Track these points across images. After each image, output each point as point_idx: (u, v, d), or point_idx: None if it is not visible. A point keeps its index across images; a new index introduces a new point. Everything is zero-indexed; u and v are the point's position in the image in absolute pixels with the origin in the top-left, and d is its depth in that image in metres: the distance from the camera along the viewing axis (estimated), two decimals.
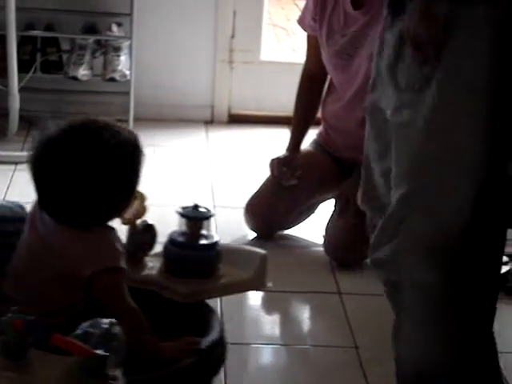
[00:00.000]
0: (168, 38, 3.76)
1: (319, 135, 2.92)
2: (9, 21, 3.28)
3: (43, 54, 3.63)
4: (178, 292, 1.61)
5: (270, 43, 3.95)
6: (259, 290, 1.71)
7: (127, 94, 3.59)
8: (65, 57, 3.65)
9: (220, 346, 1.54)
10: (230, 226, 2.87)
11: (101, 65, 3.65)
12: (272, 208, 2.77)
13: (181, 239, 1.67)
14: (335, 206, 2.75)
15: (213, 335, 1.53)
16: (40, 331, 1.29)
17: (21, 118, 3.48)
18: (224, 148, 3.66)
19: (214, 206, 3.03)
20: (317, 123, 2.94)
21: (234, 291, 1.70)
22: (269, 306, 2.51)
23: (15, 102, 3.41)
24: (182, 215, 1.67)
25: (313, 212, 2.88)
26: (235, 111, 3.88)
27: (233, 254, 1.71)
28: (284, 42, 4.31)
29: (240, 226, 2.86)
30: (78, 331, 1.34)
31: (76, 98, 3.71)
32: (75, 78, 3.58)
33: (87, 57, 3.63)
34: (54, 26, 3.64)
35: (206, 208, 1.69)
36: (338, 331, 2.35)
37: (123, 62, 3.64)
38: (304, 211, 2.85)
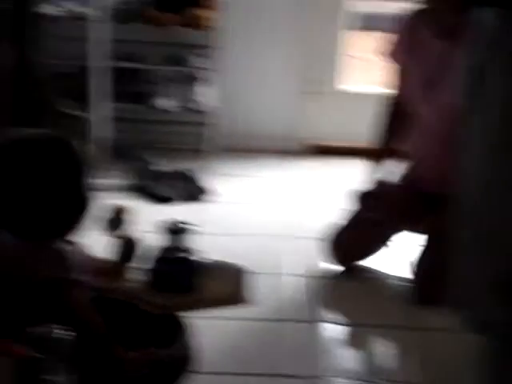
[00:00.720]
0: (252, 70, 3.81)
1: (404, 169, 2.87)
2: (93, 52, 3.42)
3: (130, 84, 3.75)
4: (153, 303, 1.62)
5: (347, 74, 3.92)
6: (237, 305, 1.67)
7: (209, 124, 3.65)
8: (151, 88, 3.76)
9: (179, 362, 1.51)
10: (310, 257, 2.88)
11: (186, 96, 3.73)
12: (356, 241, 2.78)
13: (161, 253, 1.67)
14: (427, 240, 2.70)
15: (174, 348, 1.52)
16: None
17: (109, 146, 3.62)
18: (302, 178, 3.65)
19: (295, 237, 3.04)
20: (402, 157, 2.89)
21: (212, 306, 1.69)
22: (347, 339, 2.48)
23: (101, 132, 3.54)
24: (164, 230, 1.68)
25: (386, 245, 2.84)
26: (313, 142, 3.88)
27: (214, 268, 1.70)
28: (361, 73, 4.29)
29: (320, 258, 2.85)
30: (27, 335, 1.36)
31: (162, 129, 3.81)
32: (161, 109, 3.69)
33: (172, 88, 3.73)
34: (141, 58, 3.76)
35: (187, 224, 1.70)
36: (417, 367, 2.30)
37: (207, 93, 3.71)
38: (379, 244, 2.83)
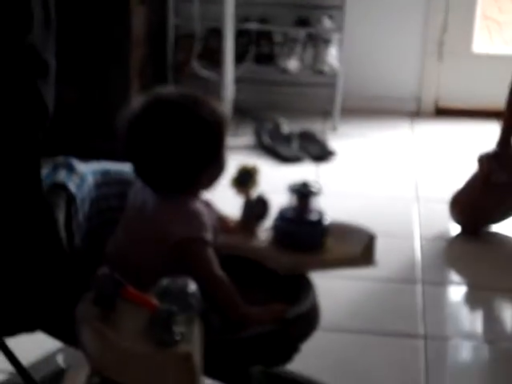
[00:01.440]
0: (377, 31, 3.78)
1: None
2: (226, 14, 3.47)
3: (257, 45, 3.79)
4: (280, 263, 1.65)
5: (482, 35, 3.83)
6: (364, 267, 1.69)
7: (334, 85, 3.65)
8: (277, 49, 3.78)
9: (305, 320, 1.54)
10: (433, 219, 2.89)
11: (311, 57, 3.74)
12: (479, 204, 2.75)
13: (289, 214, 1.70)
14: None
15: (300, 308, 1.55)
16: (112, 285, 1.40)
17: (233, 107, 3.68)
18: (430, 140, 3.61)
19: (418, 198, 3.03)
20: None
21: (339, 267, 1.70)
22: (471, 302, 2.50)
23: (229, 92, 3.60)
24: (292, 190, 1.71)
25: None
26: (442, 104, 3.82)
27: (342, 230, 1.71)
28: (496, 35, 4.15)
29: (443, 220, 2.86)
30: (156, 288, 1.43)
31: (285, 90, 3.84)
32: (286, 70, 3.71)
33: (298, 49, 3.75)
34: (268, 19, 3.79)
35: (316, 184, 1.72)
36: None
37: (333, 54, 3.70)
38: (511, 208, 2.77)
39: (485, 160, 2.72)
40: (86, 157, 1.73)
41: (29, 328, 1.48)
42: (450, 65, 3.78)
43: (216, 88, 3.53)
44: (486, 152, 2.74)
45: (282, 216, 1.71)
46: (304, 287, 1.63)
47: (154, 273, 1.46)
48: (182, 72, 3.73)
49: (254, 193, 1.74)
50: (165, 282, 1.44)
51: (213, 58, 3.69)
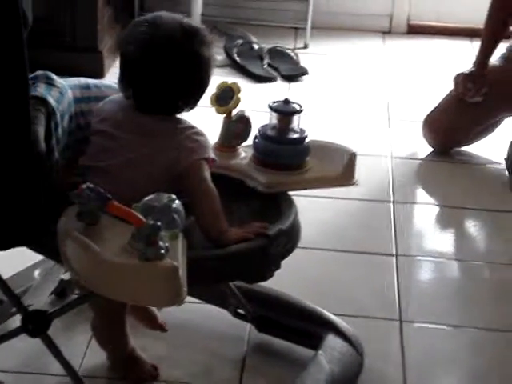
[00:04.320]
0: None
1: (509, 50, 2.80)
2: None
3: None
4: (259, 181, 1.65)
5: None
6: (345, 186, 1.70)
7: (305, 1, 3.61)
8: None
9: (286, 236, 1.56)
10: (405, 140, 2.91)
11: None
12: (452, 124, 2.76)
13: (270, 132, 1.70)
14: None
15: (281, 224, 1.56)
16: (98, 199, 1.39)
17: (202, 22, 3.62)
18: (402, 59, 3.60)
19: (389, 119, 3.05)
20: (506, 38, 2.82)
21: (319, 186, 1.72)
22: (442, 221, 2.53)
23: (197, 7, 3.54)
24: (273, 109, 1.70)
25: (493, 131, 2.81)
26: (414, 21, 3.79)
27: (322, 149, 1.72)
28: None
29: (416, 140, 2.87)
30: (140, 204, 1.43)
31: (256, 4, 3.78)
32: None
33: None
34: None
35: (297, 103, 1.71)
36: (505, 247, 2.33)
37: None
38: (485, 129, 2.79)
39: (460, 80, 2.72)
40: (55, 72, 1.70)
41: (10, 243, 1.48)
42: None
43: (184, 2, 3.47)
44: (461, 72, 2.74)
45: (263, 134, 1.71)
46: (285, 205, 1.64)
47: (147, 190, 1.46)
48: None
49: (235, 110, 1.74)
50: (149, 198, 1.45)
51: None
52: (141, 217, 1.39)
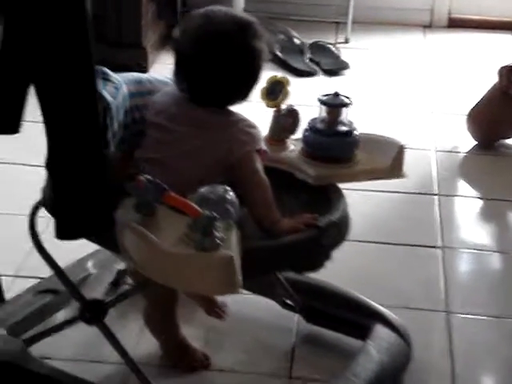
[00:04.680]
0: None
1: None
2: None
3: None
4: (309, 173, 1.68)
5: None
6: (394, 178, 1.72)
7: None
8: None
9: (337, 227, 1.59)
10: (449, 133, 2.92)
11: None
12: (496, 117, 2.77)
13: (319, 125, 1.73)
14: None
15: (332, 216, 1.59)
16: (155, 190, 1.43)
17: None
18: (443, 53, 3.61)
19: (432, 112, 3.06)
20: None
21: (368, 178, 1.74)
22: (485, 214, 2.55)
23: (239, 2, 3.57)
24: (322, 102, 1.73)
25: None
26: (456, 15, 3.79)
27: (370, 142, 1.74)
28: None
29: (458, 133, 2.88)
30: (195, 195, 1.47)
31: (295, 0, 3.80)
32: None
33: None
34: None
35: (346, 96, 1.74)
36: None
37: None
38: None
39: (504, 72, 2.72)
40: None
41: (79, 232, 1.52)
42: None
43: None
44: (505, 65, 2.74)
45: (312, 127, 1.74)
46: (335, 197, 1.67)
47: (204, 183, 1.50)
48: None
49: (284, 104, 1.77)
50: (204, 189, 1.48)
51: None
52: (197, 207, 1.42)
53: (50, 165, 1.48)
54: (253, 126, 1.63)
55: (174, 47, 1.66)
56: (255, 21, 1.64)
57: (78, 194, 1.50)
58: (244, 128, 1.61)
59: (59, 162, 1.48)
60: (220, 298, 1.92)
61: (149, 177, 1.45)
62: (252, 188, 1.58)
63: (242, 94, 1.64)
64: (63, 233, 1.51)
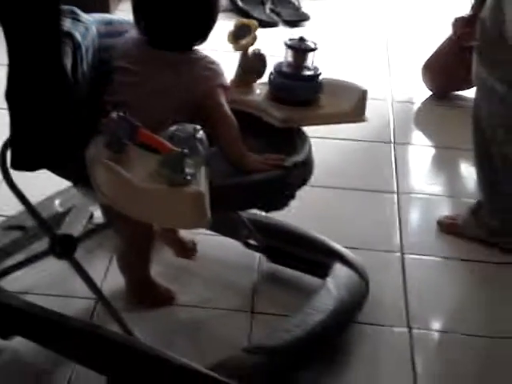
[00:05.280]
0: None
1: None
2: None
3: None
4: (275, 116, 1.73)
5: None
6: (356, 122, 1.78)
7: None
8: None
9: (302, 167, 1.65)
10: (404, 83, 3.00)
11: None
12: (450, 68, 2.82)
13: (285, 69, 1.77)
14: None
15: (298, 157, 1.65)
16: (128, 127, 1.47)
17: None
18: (399, 3, 3.67)
19: (389, 65, 3.12)
20: None
21: (332, 121, 1.79)
22: (437, 161, 2.64)
23: None
24: (288, 46, 1.77)
25: None
26: None
27: (334, 86, 1.79)
28: None
29: (414, 84, 2.96)
30: (166, 133, 1.51)
31: None
32: None
33: None
34: None
35: (312, 41, 1.78)
36: None
37: None
38: None
39: (459, 24, 2.77)
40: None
41: (39, 164, 1.56)
42: None
43: None
44: (460, 16, 2.79)
45: (279, 71, 1.78)
46: (299, 139, 1.72)
47: (168, 121, 1.54)
48: None
49: (251, 48, 1.80)
50: (174, 127, 1.53)
51: None
52: (169, 144, 1.47)
53: (10, 94, 1.52)
54: (214, 63, 1.67)
55: None
56: None
57: (35, 126, 1.54)
58: (206, 64, 1.65)
59: (18, 91, 1.51)
60: (189, 236, 1.97)
61: (121, 114, 1.49)
62: (217, 122, 1.62)
63: (200, 37, 1.66)
64: (19, 163, 1.55)
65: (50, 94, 1.53)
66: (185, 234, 2.01)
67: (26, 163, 1.57)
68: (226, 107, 1.64)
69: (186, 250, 1.98)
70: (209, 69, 1.65)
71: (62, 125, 1.55)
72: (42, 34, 1.47)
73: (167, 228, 1.91)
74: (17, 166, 1.56)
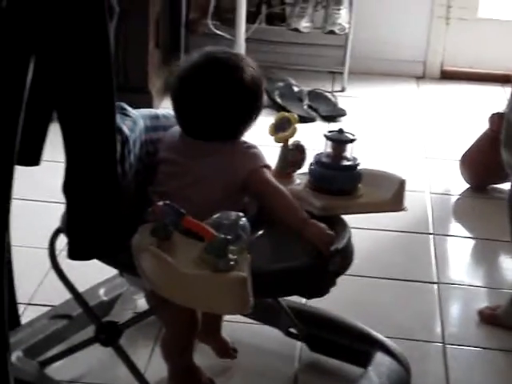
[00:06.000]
0: None
1: None
2: None
3: (268, 6, 3.90)
4: (314, 204, 1.77)
5: (489, 0, 3.95)
6: (395, 211, 1.82)
7: (344, 47, 3.77)
8: (288, 9, 3.88)
9: (342, 255, 1.68)
10: (441, 177, 3.05)
11: (321, 18, 3.84)
12: (487, 162, 2.86)
13: (325, 160, 1.83)
14: None
15: (338, 244, 1.68)
16: (174, 214, 1.53)
17: None
18: (435, 103, 3.74)
19: (426, 158, 3.18)
20: None
21: (371, 210, 1.83)
22: (477, 252, 2.67)
23: (241, 52, 3.70)
24: (328, 138, 1.83)
25: None
26: (448, 67, 3.94)
27: (373, 177, 1.84)
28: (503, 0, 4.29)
29: (452, 177, 3.02)
30: (210, 220, 1.56)
31: (296, 50, 3.95)
32: (297, 30, 3.81)
33: (309, 10, 3.84)
34: None
35: (350, 133, 1.84)
36: None
37: (343, 15, 3.81)
38: None
39: (496, 118, 2.84)
40: None
41: (91, 254, 1.62)
42: (456, 29, 3.91)
43: (228, 47, 3.60)
44: (496, 112, 2.87)
45: (318, 161, 1.84)
46: (339, 227, 1.76)
47: (215, 209, 1.59)
48: (195, 31, 3.83)
49: (291, 140, 1.87)
50: (218, 215, 1.58)
51: (225, 17, 3.79)
52: (213, 230, 1.52)
53: (67, 187, 1.59)
54: (253, 146, 1.74)
55: (169, 86, 1.77)
56: (242, 54, 1.74)
57: (90, 217, 1.61)
58: (245, 149, 1.72)
59: (75, 185, 1.59)
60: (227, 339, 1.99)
61: (167, 202, 1.54)
62: (270, 196, 1.68)
63: (233, 130, 1.74)
64: (75, 253, 1.61)
65: (104, 187, 1.60)
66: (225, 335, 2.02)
67: (83, 253, 1.63)
68: (274, 181, 1.70)
69: (228, 350, 1.99)
70: (250, 152, 1.72)
71: (113, 215, 1.62)
72: (99, 133, 1.55)
73: (210, 326, 1.93)
74: (74, 256, 1.62)
